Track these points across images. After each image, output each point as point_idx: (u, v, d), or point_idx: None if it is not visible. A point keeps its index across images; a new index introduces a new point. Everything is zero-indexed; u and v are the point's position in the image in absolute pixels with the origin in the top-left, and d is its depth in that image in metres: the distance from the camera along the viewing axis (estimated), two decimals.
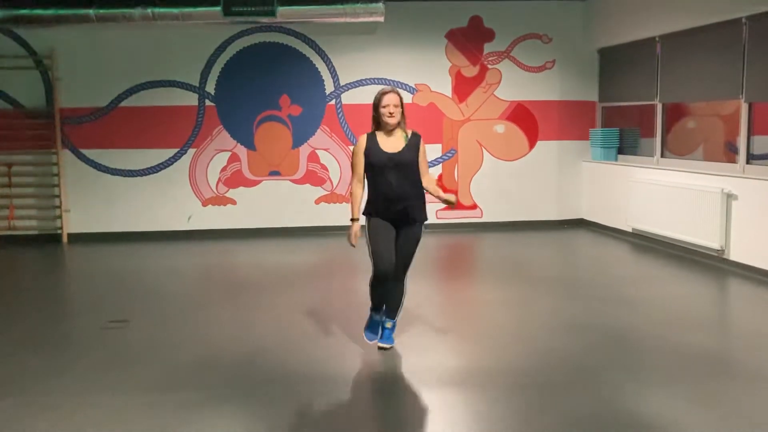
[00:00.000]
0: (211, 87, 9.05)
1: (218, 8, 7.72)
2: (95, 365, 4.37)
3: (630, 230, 8.35)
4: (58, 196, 8.97)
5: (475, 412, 3.63)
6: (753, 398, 3.74)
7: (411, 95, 9.22)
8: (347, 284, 6.53)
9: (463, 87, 9.30)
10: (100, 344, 4.80)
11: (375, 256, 4.32)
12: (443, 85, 9.28)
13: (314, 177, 9.26)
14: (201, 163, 9.13)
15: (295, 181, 9.25)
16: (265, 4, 7.65)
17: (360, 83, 9.19)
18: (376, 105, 4.38)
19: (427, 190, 4.43)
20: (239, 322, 5.30)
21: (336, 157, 9.25)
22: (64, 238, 8.94)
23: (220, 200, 9.19)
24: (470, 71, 9.29)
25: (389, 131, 4.39)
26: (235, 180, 9.19)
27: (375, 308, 4.55)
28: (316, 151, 9.23)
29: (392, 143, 4.37)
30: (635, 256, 7.65)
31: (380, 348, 4.54)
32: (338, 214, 9.02)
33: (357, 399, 3.92)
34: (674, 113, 8.06)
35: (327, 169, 9.26)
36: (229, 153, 9.15)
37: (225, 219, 9.19)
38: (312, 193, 9.28)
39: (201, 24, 8.07)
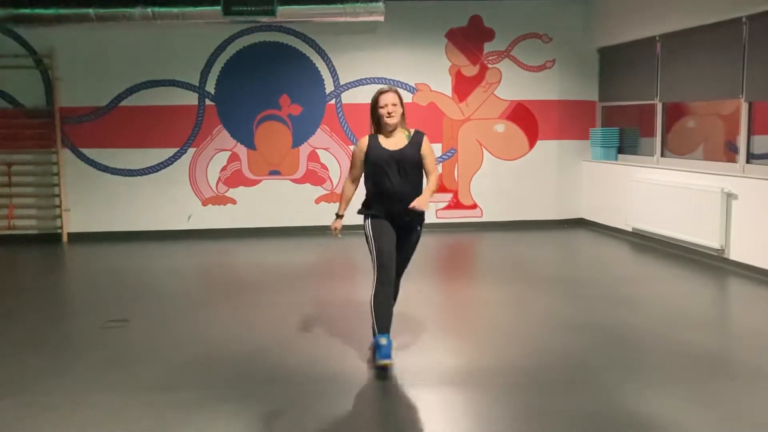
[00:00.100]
0: (211, 86, 9.05)
1: (218, 8, 7.74)
2: (95, 365, 4.37)
3: (630, 230, 8.35)
4: (58, 196, 8.97)
5: (475, 412, 3.63)
6: (753, 398, 3.74)
7: (411, 95, 9.22)
8: (347, 284, 6.52)
9: (463, 86, 9.29)
10: (100, 344, 4.79)
11: (378, 252, 4.14)
12: (443, 85, 9.27)
13: (314, 176, 9.26)
14: (201, 162, 9.12)
15: (295, 181, 9.25)
16: (265, 3, 7.66)
17: (360, 83, 9.19)
18: (374, 106, 4.21)
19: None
20: (239, 321, 5.30)
21: (336, 157, 9.24)
22: (64, 238, 8.94)
23: (220, 200, 9.19)
24: (470, 71, 9.28)
25: (390, 132, 4.23)
26: (235, 179, 9.18)
27: (382, 331, 4.10)
28: (316, 150, 9.23)
29: (394, 142, 4.23)
30: (635, 256, 7.65)
31: (382, 366, 4.11)
32: None
33: (357, 399, 3.91)
34: (674, 113, 8.06)
35: (327, 169, 9.26)
36: (229, 152, 9.15)
37: (225, 218, 9.19)
38: (312, 192, 9.28)
39: (201, 23, 8.09)
